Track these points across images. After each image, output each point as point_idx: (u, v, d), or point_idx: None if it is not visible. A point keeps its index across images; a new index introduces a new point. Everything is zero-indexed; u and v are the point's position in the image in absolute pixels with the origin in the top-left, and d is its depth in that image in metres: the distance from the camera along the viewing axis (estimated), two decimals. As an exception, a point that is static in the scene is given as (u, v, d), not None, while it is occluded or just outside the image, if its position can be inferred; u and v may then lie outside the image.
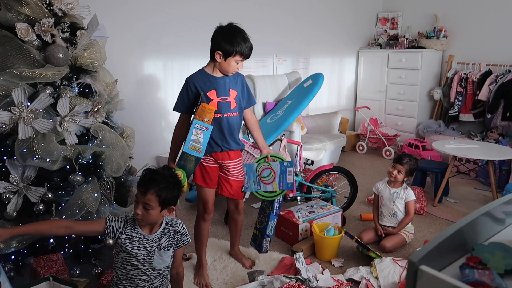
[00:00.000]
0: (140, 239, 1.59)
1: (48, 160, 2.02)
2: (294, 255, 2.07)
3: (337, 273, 2.25)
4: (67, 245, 2.14)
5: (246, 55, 1.99)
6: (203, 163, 2.11)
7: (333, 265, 2.34)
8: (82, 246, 2.17)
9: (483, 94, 4.27)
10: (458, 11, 4.71)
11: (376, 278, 2.14)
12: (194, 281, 2.17)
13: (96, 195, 2.15)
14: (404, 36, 5.01)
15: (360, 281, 2.14)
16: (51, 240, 2.07)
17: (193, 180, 2.15)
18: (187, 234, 1.71)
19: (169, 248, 1.63)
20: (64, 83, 2.17)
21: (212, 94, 2.03)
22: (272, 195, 2.23)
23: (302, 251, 2.33)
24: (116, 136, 2.31)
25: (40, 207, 1.99)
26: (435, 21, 4.87)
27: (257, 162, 2.19)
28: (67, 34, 2.18)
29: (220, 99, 2.03)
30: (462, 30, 4.71)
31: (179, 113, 2.13)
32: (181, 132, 2.09)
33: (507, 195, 0.91)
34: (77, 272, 2.12)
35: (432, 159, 4.19)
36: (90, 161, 2.17)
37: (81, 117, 2.14)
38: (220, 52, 1.96)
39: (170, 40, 3.61)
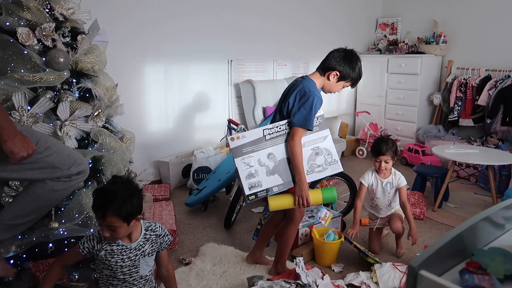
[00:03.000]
0: (123, 250, 1.53)
1: (48, 164, 2.02)
2: (294, 260, 2.06)
3: (337, 278, 2.24)
4: (66, 249, 2.13)
5: (355, 85, 2.04)
6: None
7: (333, 270, 2.33)
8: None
9: (482, 99, 4.28)
10: (458, 16, 4.73)
11: (376, 283, 2.14)
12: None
13: (95, 199, 2.15)
14: (404, 41, 5.03)
15: (360, 286, 2.13)
16: (50, 245, 2.06)
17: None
18: (168, 235, 1.66)
19: (153, 253, 1.60)
20: (64, 87, 2.17)
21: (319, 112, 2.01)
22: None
23: (302, 256, 2.32)
24: (116, 140, 2.31)
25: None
26: (434, 26, 4.89)
27: None
28: (68, 39, 2.18)
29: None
30: (461, 36, 4.72)
31: (302, 129, 1.91)
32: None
33: (506, 200, 0.91)
34: (76, 277, 2.11)
35: (432, 164, 4.19)
36: (90, 165, 2.17)
37: (81, 121, 2.14)
38: (337, 73, 1.96)
39: (171, 46, 3.63)
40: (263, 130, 1.95)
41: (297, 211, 2.05)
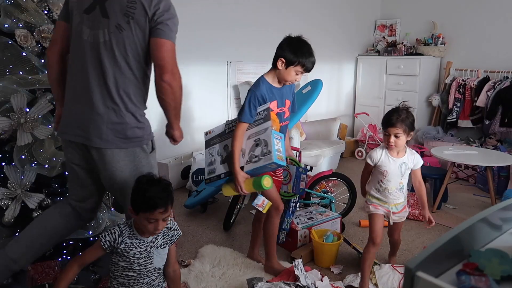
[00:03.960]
0: (140, 244, 1.61)
1: (46, 166, 2.02)
2: (293, 262, 2.07)
3: (336, 279, 2.24)
4: (64, 251, 2.13)
5: (307, 68, 2.02)
6: None
7: (332, 271, 2.33)
8: (80, 253, 2.16)
9: (481, 101, 4.28)
10: (456, 18, 4.74)
11: (375, 285, 2.14)
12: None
13: (95, 202, 2.15)
14: (402, 43, 5.04)
15: (359, 288, 2.12)
16: (49, 247, 2.06)
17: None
18: (178, 229, 1.74)
19: (165, 245, 1.67)
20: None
21: (273, 105, 2.07)
22: (286, 195, 2.34)
23: (301, 258, 2.32)
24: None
25: (38, 214, 1.99)
26: (433, 28, 4.91)
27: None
28: (66, 41, 2.18)
29: (279, 110, 2.10)
30: (460, 37, 4.74)
31: (242, 123, 2.02)
32: (242, 141, 2.05)
33: (504, 201, 0.91)
34: (75, 279, 2.11)
35: (431, 165, 4.19)
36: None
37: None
38: (283, 60, 1.99)
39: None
40: (225, 125, 2.20)
41: (272, 205, 2.14)
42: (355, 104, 5.50)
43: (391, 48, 5.09)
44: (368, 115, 5.03)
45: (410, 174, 2.12)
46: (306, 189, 2.88)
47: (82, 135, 1.64)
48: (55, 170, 2.04)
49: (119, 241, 1.59)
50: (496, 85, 4.21)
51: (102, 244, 1.58)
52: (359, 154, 4.90)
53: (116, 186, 1.69)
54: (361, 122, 4.94)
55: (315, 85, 3.65)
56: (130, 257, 1.59)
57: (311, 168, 3.08)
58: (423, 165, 3.89)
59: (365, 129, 4.88)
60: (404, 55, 4.93)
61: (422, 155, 4.34)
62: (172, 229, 1.69)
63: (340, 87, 5.34)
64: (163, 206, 1.53)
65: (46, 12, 2.10)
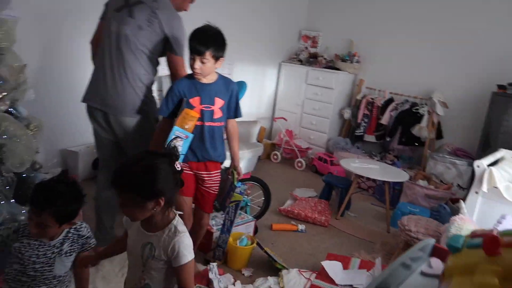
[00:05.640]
0: (40, 246, 1.44)
1: None
2: (208, 265, 2.08)
3: (247, 282, 2.32)
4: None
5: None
6: None
7: (243, 274, 2.40)
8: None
9: (385, 119, 4.74)
10: (370, 40, 5.17)
11: (283, 288, 2.25)
12: None
13: (-9, 192, 1.93)
14: (323, 56, 5.35)
15: (268, 291, 2.22)
16: None
17: None
18: (92, 237, 1.59)
19: (71, 253, 1.51)
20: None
21: (195, 101, 1.96)
22: (215, 207, 2.29)
23: (215, 261, 2.35)
24: (21, 128, 2.10)
25: None
26: (350, 46, 5.29)
27: (224, 170, 2.19)
28: (-30, 9, 1.93)
29: (203, 107, 1.97)
30: (372, 58, 5.17)
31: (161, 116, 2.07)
32: (161, 136, 1.98)
33: (413, 248, 0.99)
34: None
35: (338, 173, 4.54)
36: (-12, 154, 1.94)
37: (-20, 104, 1.90)
38: None
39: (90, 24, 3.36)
40: None
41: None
42: (274, 108, 5.69)
43: (312, 60, 5.36)
44: (286, 120, 5.25)
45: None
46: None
47: (101, 103, 2.14)
48: None
49: (13, 237, 1.42)
50: (398, 106, 4.70)
51: None
52: (275, 157, 5.08)
53: (129, 144, 2.19)
54: (279, 127, 5.14)
55: (240, 86, 3.69)
56: (25, 260, 1.42)
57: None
58: (331, 174, 4.16)
59: (282, 134, 5.08)
60: (323, 68, 5.23)
61: (332, 163, 4.67)
62: (84, 237, 1.53)
63: (262, 90, 5.48)
64: (36, 206, 1.35)
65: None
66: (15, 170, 2.04)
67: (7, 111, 2.09)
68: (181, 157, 1.88)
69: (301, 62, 5.52)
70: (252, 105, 5.29)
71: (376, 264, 2.27)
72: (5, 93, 1.97)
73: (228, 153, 2.18)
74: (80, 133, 3.53)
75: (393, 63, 5.00)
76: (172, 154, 1.37)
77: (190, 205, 2.11)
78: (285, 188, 4.04)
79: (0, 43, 2.01)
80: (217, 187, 2.15)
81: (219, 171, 2.13)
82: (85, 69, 3.38)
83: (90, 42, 2.32)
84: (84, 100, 2.23)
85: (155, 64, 2.21)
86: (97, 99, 2.16)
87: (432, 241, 0.98)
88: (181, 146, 1.90)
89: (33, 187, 1.40)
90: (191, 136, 1.92)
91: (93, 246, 1.59)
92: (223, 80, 2.05)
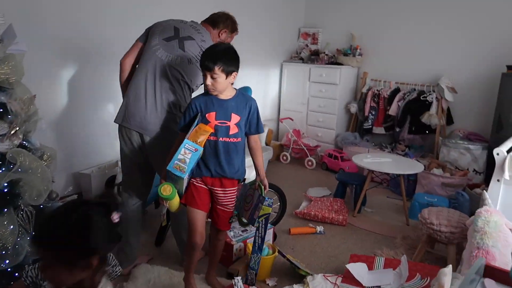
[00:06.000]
0: None
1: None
2: (233, 280, 2.08)
3: (272, 293, 2.31)
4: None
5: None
6: (194, 183, 2.04)
7: (268, 284, 2.39)
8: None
9: (393, 110, 4.71)
10: (372, 31, 5.13)
11: (309, 295, 2.24)
12: None
13: (12, 227, 1.94)
14: (325, 52, 5.31)
15: (294, 299, 2.21)
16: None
17: (181, 200, 2.02)
18: (118, 265, 1.57)
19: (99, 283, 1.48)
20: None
21: (211, 116, 1.96)
22: (243, 223, 2.27)
23: (238, 272, 2.35)
24: (35, 160, 2.10)
25: None
26: (351, 39, 5.25)
27: (249, 184, 2.19)
28: (-23, 47, 1.94)
29: (218, 123, 1.96)
30: (375, 50, 5.13)
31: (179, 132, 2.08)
32: (176, 148, 1.98)
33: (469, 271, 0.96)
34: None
35: (349, 168, 4.51)
36: (6, 190, 1.95)
37: (-5, 141, 1.91)
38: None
39: (80, 47, 3.37)
40: None
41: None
42: (279, 109, 5.67)
43: (314, 57, 5.33)
44: (292, 120, 5.23)
45: None
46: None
47: (139, 126, 2.22)
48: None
49: (43, 277, 1.38)
50: (406, 96, 4.66)
51: (23, 279, 1.39)
52: (284, 158, 5.07)
53: (158, 160, 2.18)
54: (286, 127, 5.12)
55: (245, 92, 3.68)
56: None
57: (244, 180, 3.11)
58: (344, 171, 4.14)
59: (290, 134, 5.06)
60: (326, 64, 5.20)
61: (342, 159, 4.65)
62: (109, 265, 1.49)
63: (266, 93, 5.47)
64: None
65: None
66: (33, 203, 2.04)
67: (20, 144, 2.10)
68: (188, 170, 1.87)
69: (302, 60, 5.49)
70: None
71: (402, 262, 2.25)
72: (17, 128, 1.98)
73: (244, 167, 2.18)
74: (90, 154, 3.55)
75: (397, 52, 4.96)
76: (110, 203, 1.24)
77: (203, 221, 2.07)
78: (298, 189, 4.02)
79: (9, 78, 2.02)
80: (233, 205, 2.13)
81: (235, 188, 2.11)
82: (90, 93, 3.44)
83: (121, 60, 2.35)
84: (120, 121, 2.28)
85: (192, 92, 2.35)
86: (135, 122, 2.22)
87: (482, 261, 0.96)
88: (189, 159, 1.89)
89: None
90: (200, 149, 1.91)
91: (119, 274, 1.60)
92: (242, 97, 2.04)
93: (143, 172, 2.38)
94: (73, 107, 3.37)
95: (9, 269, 1.92)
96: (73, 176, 3.45)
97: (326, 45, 5.47)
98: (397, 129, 4.74)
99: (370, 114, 4.94)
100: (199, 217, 2.04)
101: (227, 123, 1.98)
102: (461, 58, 4.51)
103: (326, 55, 5.28)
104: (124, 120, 2.26)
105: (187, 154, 1.88)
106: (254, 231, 2.29)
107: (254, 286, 2.32)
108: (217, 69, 1.88)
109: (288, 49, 5.70)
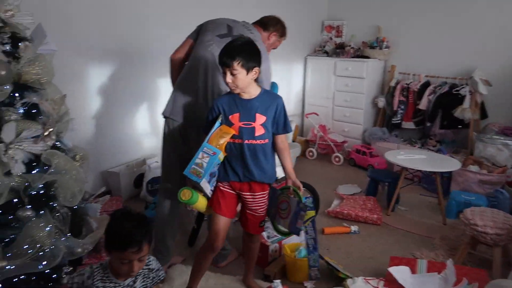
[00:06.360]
0: (115, 287, 1.45)
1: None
2: (272, 284, 2.01)
3: (311, 295, 2.24)
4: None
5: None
6: (221, 187, 1.95)
7: (306, 286, 2.31)
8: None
9: (423, 104, 4.54)
10: (399, 23, 4.96)
11: (350, 298, 2.16)
12: None
13: (48, 228, 1.91)
14: (350, 45, 5.17)
15: (334, 303, 2.13)
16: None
17: (208, 203, 1.94)
18: (161, 269, 1.60)
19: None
20: (6, 101, 1.89)
21: (234, 118, 1.86)
22: (282, 231, 2.06)
23: (275, 274, 2.28)
24: (69, 161, 2.07)
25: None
26: (377, 31, 5.08)
27: (280, 190, 2.01)
28: (8, 47, 1.89)
29: (242, 124, 1.85)
30: (402, 42, 4.96)
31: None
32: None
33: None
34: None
35: (378, 165, 4.38)
36: (41, 192, 1.92)
37: (29, 142, 1.88)
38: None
39: (114, 46, 3.33)
40: None
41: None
42: (304, 104, 5.56)
43: (339, 50, 5.19)
44: (318, 115, 5.11)
45: None
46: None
47: (189, 120, 2.25)
48: (2, 197, 1.77)
49: (88, 283, 1.43)
50: (436, 89, 4.49)
51: (70, 286, 1.42)
52: (310, 154, 4.97)
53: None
54: (311, 122, 5.01)
55: (271, 88, 3.59)
56: None
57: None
58: (374, 168, 4.01)
59: (315, 129, 4.95)
60: (352, 57, 5.05)
61: (371, 155, 4.52)
62: (154, 270, 1.53)
63: (290, 87, 5.36)
64: (136, 245, 1.37)
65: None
66: (68, 204, 2.01)
67: (53, 145, 2.07)
68: (205, 175, 1.78)
69: (327, 53, 5.36)
70: (282, 104, 5.17)
71: (448, 265, 2.13)
72: (51, 129, 1.94)
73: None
74: (119, 153, 3.53)
75: (426, 44, 4.77)
76: None
77: (226, 227, 1.97)
78: (326, 186, 3.92)
79: (40, 78, 1.98)
80: (264, 209, 2.02)
81: (265, 192, 2.00)
82: (117, 92, 3.41)
83: (171, 56, 2.36)
84: (168, 114, 2.31)
85: None
86: (184, 115, 2.25)
87: None
88: (207, 163, 1.80)
89: (112, 231, 1.42)
90: (218, 152, 1.82)
91: (162, 278, 1.58)
92: (267, 95, 1.91)
93: (183, 166, 2.31)
94: (101, 107, 3.34)
95: (47, 271, 1.89)
96: (101, 174, 3.44)
97: (351, 38, 5.31)
98: (428, 124, 4.57)
99: (399, 109, 4.78)
100: (223, 222, 1.95)
101: (252, 124, 1.86)
102: (495, 49, 4.31)
103: (352, 48, 5.13)
104: (172, 113, 2.28)
105: (204, 158, 1.80)
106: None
107: (318, 279, 2.29)
108: (236, 65, 1.75)
109: (312, 42, 5.57)
